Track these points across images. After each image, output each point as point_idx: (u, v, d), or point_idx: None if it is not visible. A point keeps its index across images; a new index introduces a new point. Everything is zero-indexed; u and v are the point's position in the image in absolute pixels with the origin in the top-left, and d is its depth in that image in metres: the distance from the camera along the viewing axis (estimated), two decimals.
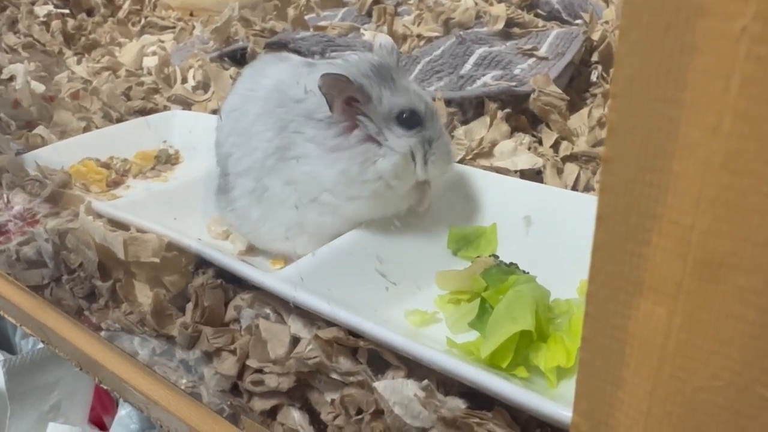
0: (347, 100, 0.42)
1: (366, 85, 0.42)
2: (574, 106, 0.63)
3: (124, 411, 0.72)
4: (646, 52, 0.15)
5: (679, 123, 0.15)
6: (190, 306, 0.41)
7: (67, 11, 1.10)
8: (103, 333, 0.45)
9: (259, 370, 0.36)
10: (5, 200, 0.54)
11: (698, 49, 0.15)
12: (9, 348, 0.86)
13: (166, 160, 0.66)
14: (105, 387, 0.45)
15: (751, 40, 0.14)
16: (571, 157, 0.55)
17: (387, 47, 0.46)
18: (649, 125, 0.16)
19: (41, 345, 0.69)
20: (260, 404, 0.36)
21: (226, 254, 0.42)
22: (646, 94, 0.16)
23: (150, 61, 0.90)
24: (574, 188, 0.52)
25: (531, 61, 0.67)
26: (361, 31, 0.89)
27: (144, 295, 0.43)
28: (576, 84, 0.69)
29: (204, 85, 0.79)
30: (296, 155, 0.43)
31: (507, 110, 0.59)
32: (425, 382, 0.30)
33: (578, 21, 0.83)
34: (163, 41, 0.99)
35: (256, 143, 0.45)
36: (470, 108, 0.62)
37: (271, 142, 0.44)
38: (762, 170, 0.14)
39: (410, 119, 0.42)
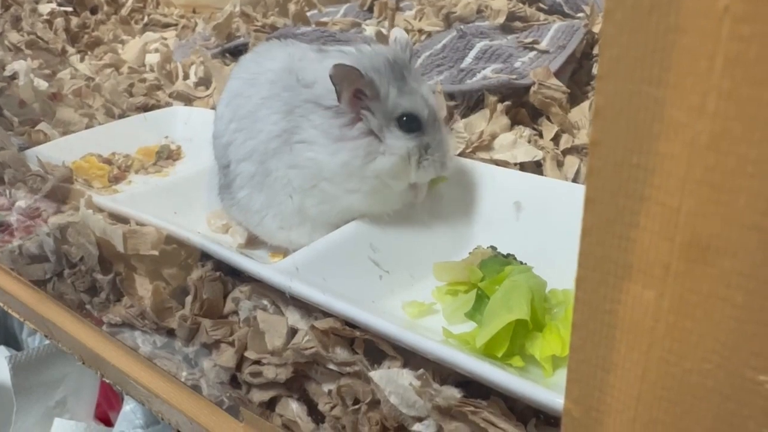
0: (355, 93, 0.41)
1: (376, 80, 0.42)
2: (575, 99, 0.63)
3: (128, 407, 0.73)
4: (630, 32, 0.15)
5: (665, 104, 0.15)
6: (189, 299, 0.41)
7: (70, 9, 1.10)
8: (104, 326, 0.45)
9: (258, 362, 0.36)
10: (7, 195, 0.54)
11: (682, 29, 0.14)
12: (16, 345, 0.87)
13: (167, 155, 0.67)
14: (107, 381, 0.46)
15: (733, 19, 0.14)
16: (572, 150, 0.55)
17: (402, 42, 0.45)
18: (635, 107, 0.16)
19: (47, 342, 0.69)
20: (259, 395, 0.36)
21: (224, 246, 0.42)
22: (631, 76, 0.16)
23: (152, 58, 0.90)
24: (575, 181, 0.52)
25: (532, 54, 0.67)
26: (363, 26, 0.89)
27: (144, 289, 0.44)
28: (577, 77, 0.68)
29: (205, 81, 0.79)
30: (301, 140, 0.43)
31: (507, 103, 0.59)
32: (420, 371, 0.30)
33: (580, 14, 0.83)
34: (165, 38, 1.00)
35: (261, 126, 0.44)
36: (470, 101, 0.61)
37: (277, 125, 0.44)
38: (747, 151, 0.14)
39: (410, 123, 0.42)
